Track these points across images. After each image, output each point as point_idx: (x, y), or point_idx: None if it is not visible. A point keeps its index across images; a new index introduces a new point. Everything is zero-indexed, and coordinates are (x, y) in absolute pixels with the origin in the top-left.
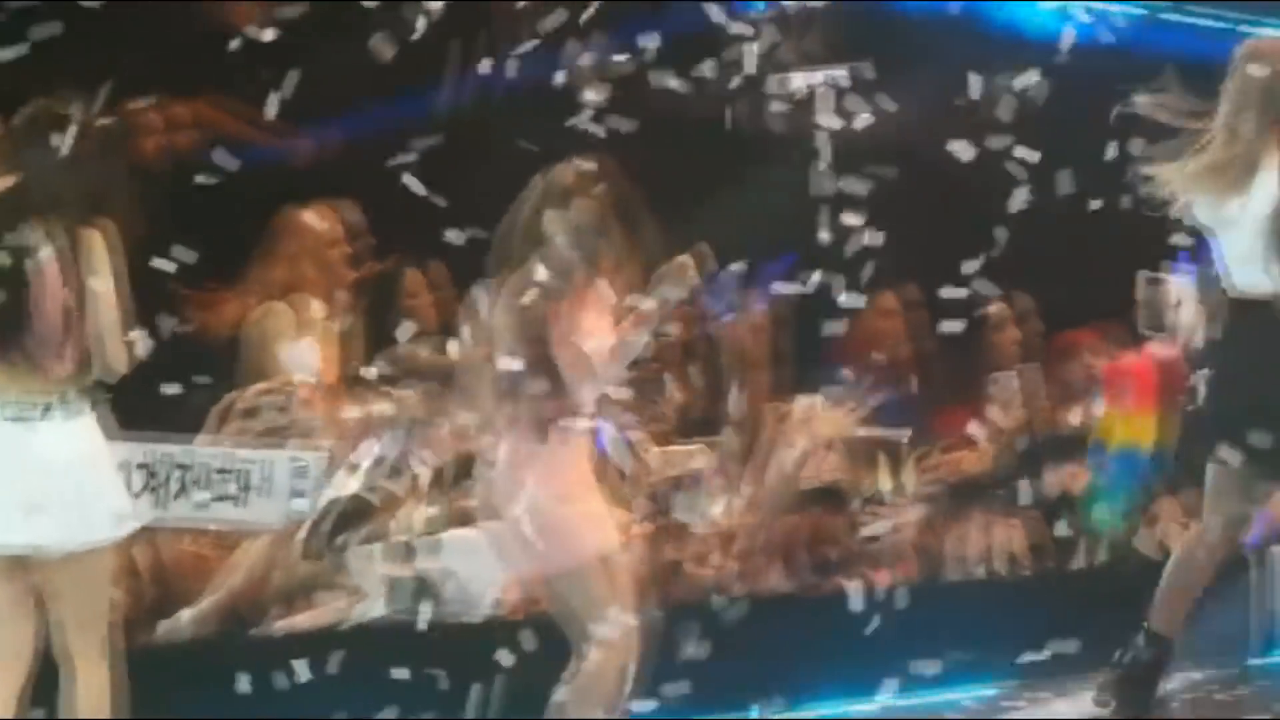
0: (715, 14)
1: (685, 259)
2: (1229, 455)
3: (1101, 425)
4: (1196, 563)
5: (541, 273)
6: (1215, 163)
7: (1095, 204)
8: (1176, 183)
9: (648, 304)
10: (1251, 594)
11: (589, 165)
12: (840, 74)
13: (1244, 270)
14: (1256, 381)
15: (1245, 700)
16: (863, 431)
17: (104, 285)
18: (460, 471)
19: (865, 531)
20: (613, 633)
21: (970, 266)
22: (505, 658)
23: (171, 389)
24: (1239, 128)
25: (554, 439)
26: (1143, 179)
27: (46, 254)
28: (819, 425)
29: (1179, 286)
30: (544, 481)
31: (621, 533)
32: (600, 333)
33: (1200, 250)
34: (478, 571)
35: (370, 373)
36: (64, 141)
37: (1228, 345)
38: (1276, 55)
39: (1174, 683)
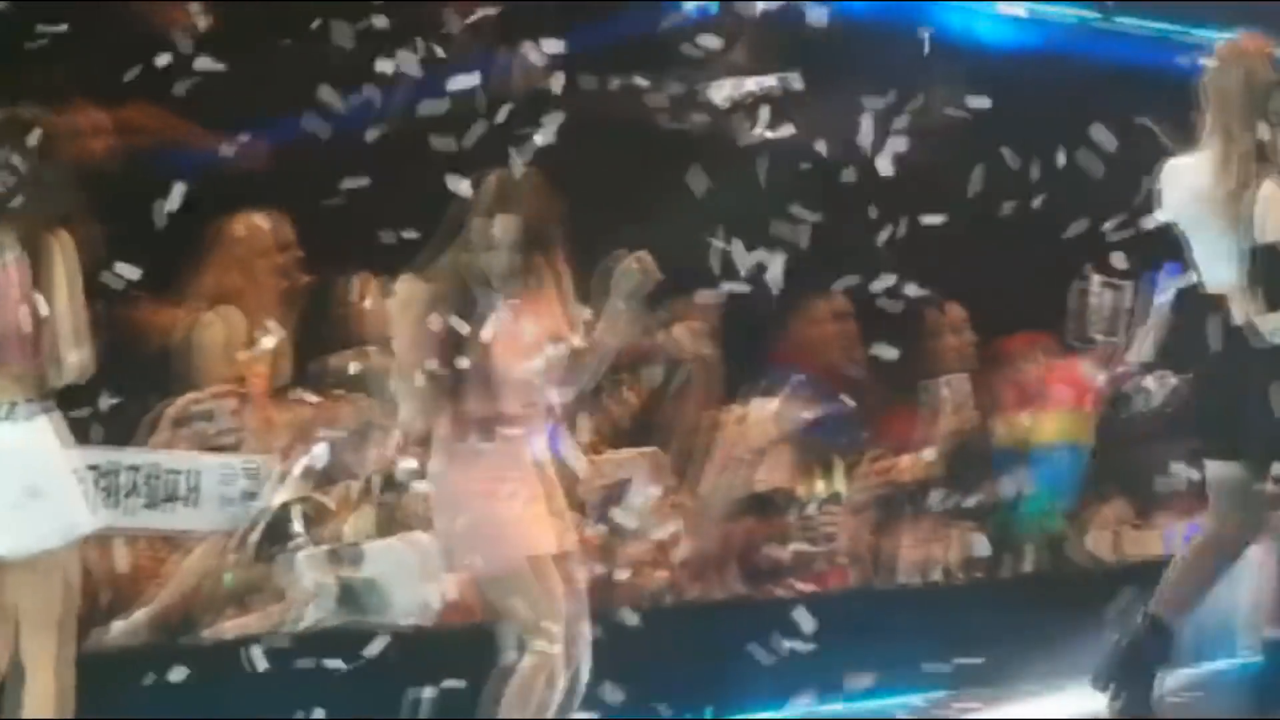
0: (653, 22)
1: (637, 256)
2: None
3: (1038, 426)
4: (1206, 558)
5: (488, 277)
6: (1217, 160)
7: (1037, 210)
8: (1178, 180)
9: (614, 307)
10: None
11: (531, 171)
12: (775, 82)
13: (1214, 268)
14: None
15: (1200, 702)
16: (800, 437)
17: (64, 291)
18: (390, 481)
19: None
20: (544, 638)
21: (905, 274)
22: (440, 665)
23: (108, 399)
24: (1230, 127)
25: (490, 442)
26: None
27: (9, 258)
28: (756, 432)
29: (1116, 298)
30: (477, 485)
31: (563, 538)
32: (545, 338)
33: (1161, 269)
34: (402, 581)
35: (304, 384)
36: (25, 149)
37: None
38: (1248, 55)
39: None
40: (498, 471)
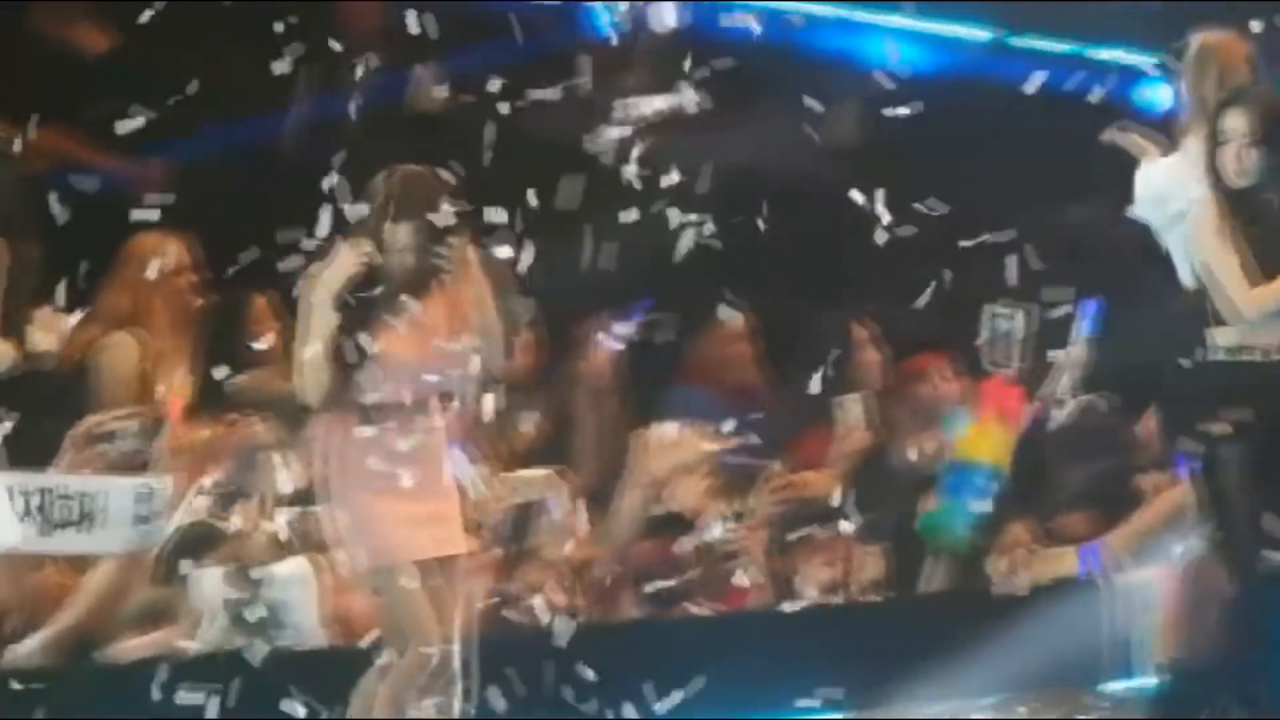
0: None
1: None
2: None
3: (953, 445)
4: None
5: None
6: (1183, 165)
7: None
8: (1150, 181)
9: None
10: (1102, 620)
11: (428, 171)
12: (683, 101)
13: (1184, 271)
14: None
15: None
16: (715, 455)
17: None
18: (302, 498)
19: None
20: (420, 640)
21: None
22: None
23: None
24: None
25: (375, 432)
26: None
27: None
28: (668, 452)
29: (1009, 327)
30: (362, 477)
31: (451, 542)
32: (443, 334)
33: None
34: (303, 602)
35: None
36: None
37: None
38: (1221, 49)
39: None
40: (385, 465)
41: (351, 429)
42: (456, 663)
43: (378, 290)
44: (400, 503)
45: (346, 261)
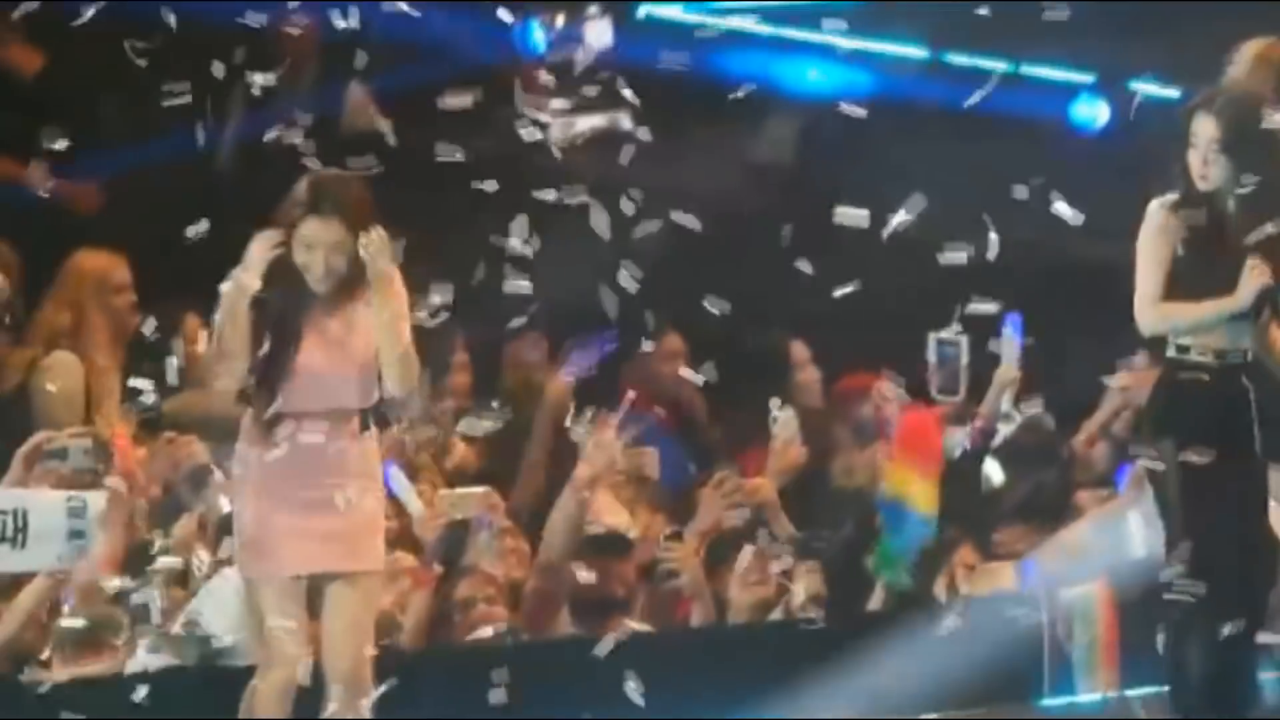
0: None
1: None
2: None
3: (885, 476)
4: None
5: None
6: None
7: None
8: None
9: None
10: (1044, 634)
11: (351, 176)
12: (619, 120)
13: None
14: None
15: None
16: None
17: None
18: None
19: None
20: (288, 659)
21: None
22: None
23: None
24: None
25: (277, 443)
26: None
27: None
28: (595, 456)
29: (952, 354)
30: (258, 485)
31: (361, 563)
32: (354, 345)
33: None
34: (224, 619)
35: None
36: None
37: None
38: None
39: None
40: (277, 476)
41: (260, 436)
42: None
43: (293, 290)
44: (295, 515)
45: (259, 252)
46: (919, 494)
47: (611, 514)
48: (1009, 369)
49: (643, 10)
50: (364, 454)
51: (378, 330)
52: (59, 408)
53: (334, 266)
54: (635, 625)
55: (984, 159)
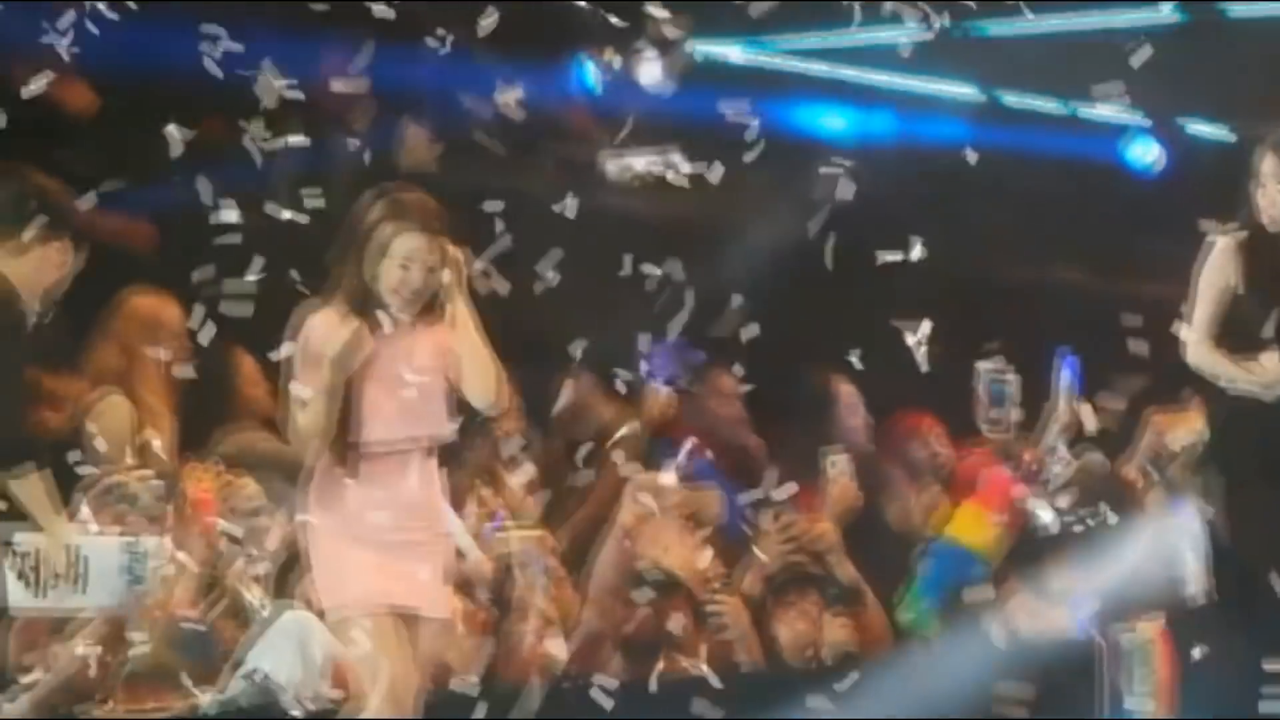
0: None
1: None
2: None
3: (939, 518)
4: None
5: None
6: None
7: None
8: None
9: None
10: (1100, 673)
11: (422, 194)
12: (675, 158)
13: None
14: None
15: None
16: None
17: None
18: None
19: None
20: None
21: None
22: None
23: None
24: None
25: (354, 475)
26: None
27: None
28: (641, 501)
29: (1000, 389)
30: (337, 519)
31: (423, 596)
32: (428, 368)
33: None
34: (286, 664)
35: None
36: None
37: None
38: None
39: None
40: (359, 511)
41: (335, 471)
42: None
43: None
44: (376, 551)
45: (343, 332)
46: (982, 535)
47: (664, 554)
48: (1064, 411)
49: (697, 50)
50: (435, 489)
51: (463, 342)
52: (110, 449)
53: (430, 283)
54: (689, 665)
55: (1037, 200)
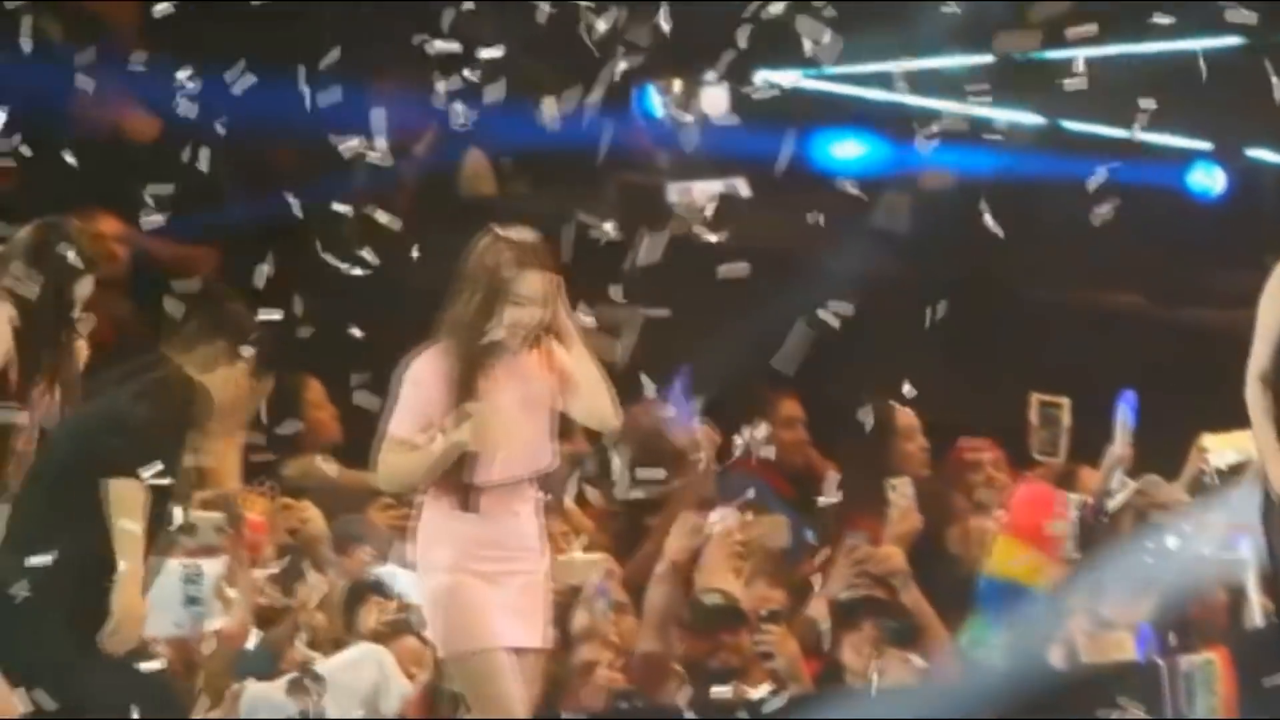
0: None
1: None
2: None
3: (993, 550)
4: None
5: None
6: None
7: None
8: None
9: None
10: (1164, 701)
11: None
12: (739, 184)
13: None
14: None
15: None
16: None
17: None
18: (354, 592)
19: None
20: None
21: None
22: None
23: None
24: None
25: (471, 512)
26: None
27: None
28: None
29: (1053, 417)
30: (450, 558)
31: (536, 632)
32: (538, 401)
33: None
34: (356, 702)
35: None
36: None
37: None
38: None
39: None
40: (475, 547)
41: (448, 508)
42: None
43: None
44: (493, 588)
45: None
46: (1032, 569)
47: (724, 582)
48: (1121, 446)
49: (760, 77)
50: (540, 520)
51: (579, 367)
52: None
53: (544, 319)
54: (752, 693)
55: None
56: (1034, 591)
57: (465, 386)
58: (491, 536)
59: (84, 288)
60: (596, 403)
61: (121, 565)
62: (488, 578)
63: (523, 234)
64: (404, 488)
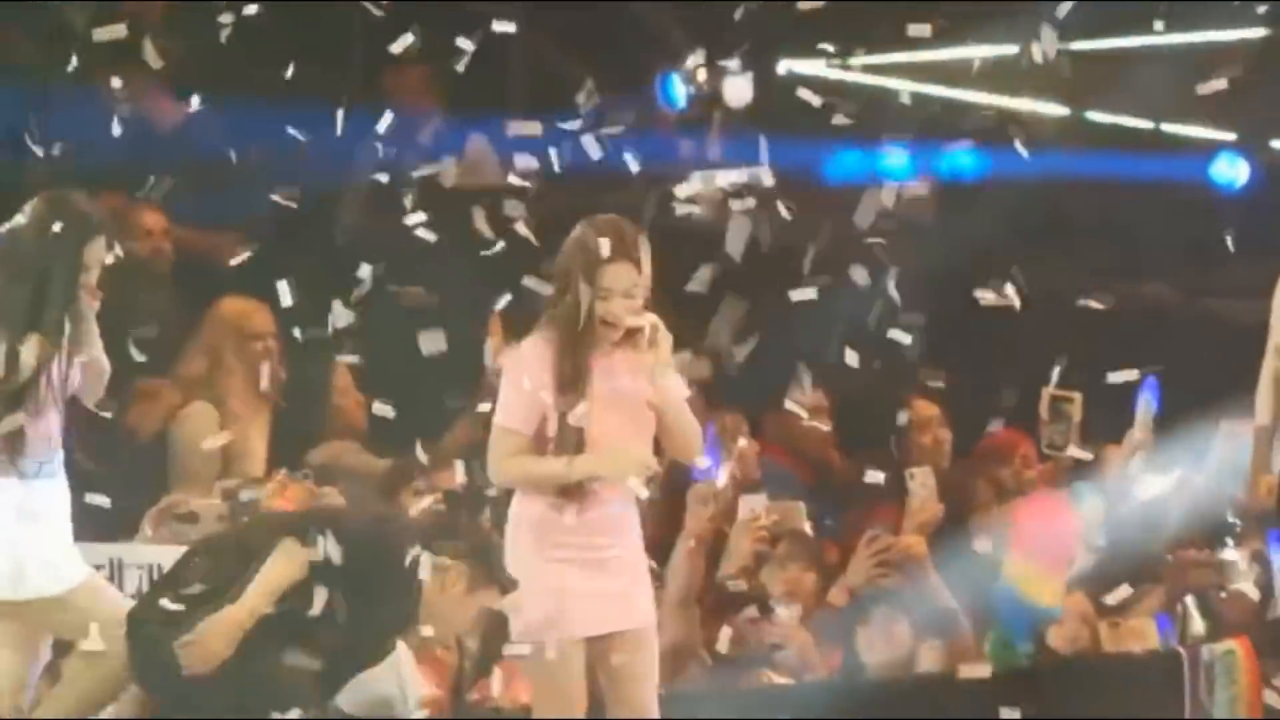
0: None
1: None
2: None
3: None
4: None
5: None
6: None
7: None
8: None
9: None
10: (1186, 690)
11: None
12: (761, 173)
13: None
14: None
15: None
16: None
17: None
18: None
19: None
20: None
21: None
22: None
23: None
24: None
25: (568, 506)
26: None
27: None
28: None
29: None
30: (544, 545)
31: (636, 621)
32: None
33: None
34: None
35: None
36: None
37: None
38: None
39: None
40: (569, 535)
41: (556, 499)
42: None
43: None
44: (588, 577)
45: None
46: (1043, 587)
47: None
48: (1141, 431)
49: (784, 66)
50: (633, 504)
51: (670, 401)
52: (195, 458)
53: (634, 310)
54: (777, 678)
55: (1123, 219)
56: (1044, 609)
57: (568, 377)
58: (590, 525)
59: (95, 250)
60: (684, 442)
61: (242, 603)
62: (582, 568)
63: (615, 225)
64: (518, 488)
